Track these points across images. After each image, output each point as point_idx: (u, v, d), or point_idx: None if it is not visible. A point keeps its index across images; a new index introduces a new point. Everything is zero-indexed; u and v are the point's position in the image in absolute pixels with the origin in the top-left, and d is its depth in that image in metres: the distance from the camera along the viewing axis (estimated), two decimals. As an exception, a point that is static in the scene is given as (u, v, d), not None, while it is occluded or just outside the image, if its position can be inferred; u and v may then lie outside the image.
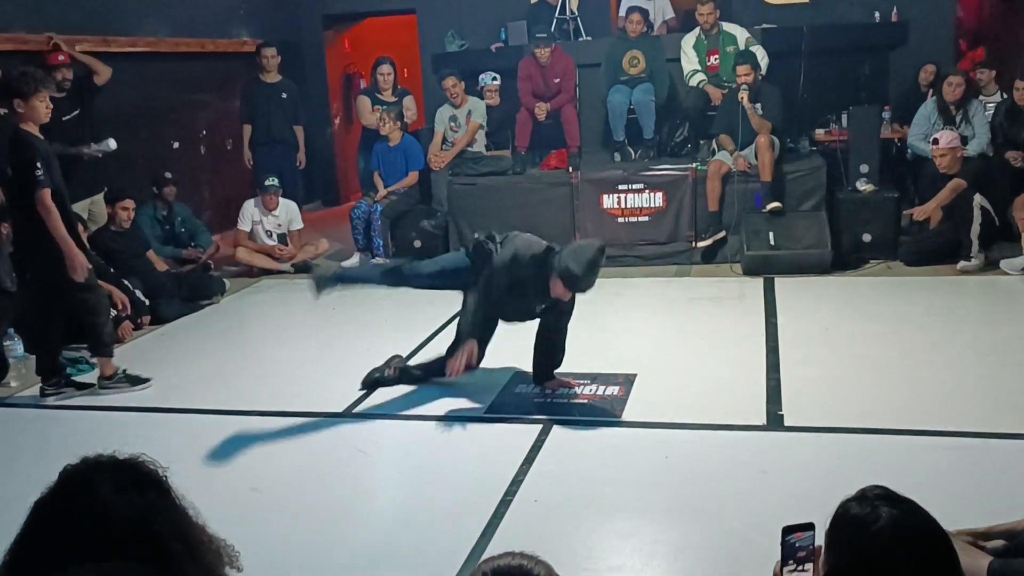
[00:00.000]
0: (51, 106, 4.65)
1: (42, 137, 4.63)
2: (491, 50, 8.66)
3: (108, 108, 7.07)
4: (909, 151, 7.55)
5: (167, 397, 4.89)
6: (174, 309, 6.46)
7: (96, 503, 1.41)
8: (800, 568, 1.86)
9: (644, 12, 7.84)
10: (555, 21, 8.35)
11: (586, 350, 4.99)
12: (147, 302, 6.26)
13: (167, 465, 1.55)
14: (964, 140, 6.79)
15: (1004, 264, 6.31)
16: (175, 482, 1.59)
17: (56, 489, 1.45)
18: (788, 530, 1.90)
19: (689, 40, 7.69)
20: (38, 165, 4.48)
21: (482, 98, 7.97)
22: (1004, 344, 4.94)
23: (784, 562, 1.88)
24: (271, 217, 7.74)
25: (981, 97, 7.40)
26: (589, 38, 8.49)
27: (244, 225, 7.73)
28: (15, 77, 4.60)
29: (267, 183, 7.61)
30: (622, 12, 8.17)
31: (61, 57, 6.46)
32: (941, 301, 5.81)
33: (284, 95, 8.29)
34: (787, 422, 4.08)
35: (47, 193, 4.53)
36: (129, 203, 6.56)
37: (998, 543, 2.33)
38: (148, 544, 1.40)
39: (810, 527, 1.85)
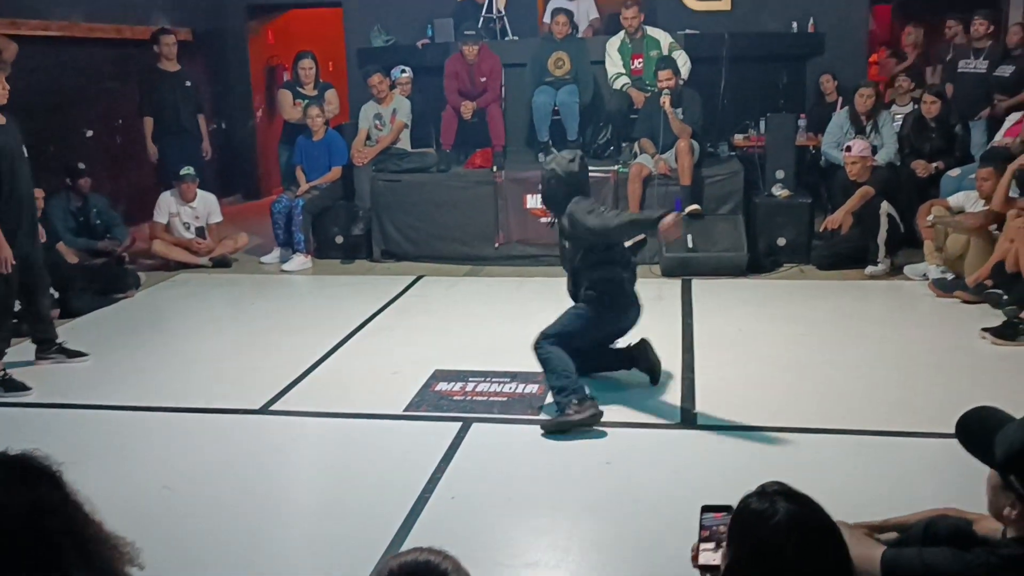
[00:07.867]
0: (7, 87, 4.67)
1: None
2: (418, 46, 8.63)
3: (18, 93, 6.80)
4: (823, 158, 7.80)
5: (76, 392, 4.75)
6: (85, 302, 6.27)
7: None
8: (716, 547, 1.93)
9: (569, 14, 7.92)
10: (482, 19, 8.37)
11: (506, 348, 5.05)
12: (56, 295, 6.06)
13: (64, 461, 1.53)
14: (875, 150, 7.05)
15: (907, 270, 6.58)
16: (83, 479, 1.57)
17: None
18: (707, 508, 1.97)
19: (614, 43, 7.80)
20: None
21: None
22: (905, 347, 5.15)
23: (701, 539, 1.95)
24: (189, 209, 7.57)
25: (893, 108, 7.68)
26: (516, 38, 8.52)
27: (160, 217, 7.55)
28: None
29: (183, 172, 7.44)
30: (547, 17, 8.23)
31: None
32: (849, 304, 6.02)
33: (188, 83, 8.04)
34: (700, 420, 4.19)
35: None
36: (38, 192, 6.33)
37: (892, 535, 2.46)
38: (35, 539, 1.39)
39: (729, 509, 1.92)
